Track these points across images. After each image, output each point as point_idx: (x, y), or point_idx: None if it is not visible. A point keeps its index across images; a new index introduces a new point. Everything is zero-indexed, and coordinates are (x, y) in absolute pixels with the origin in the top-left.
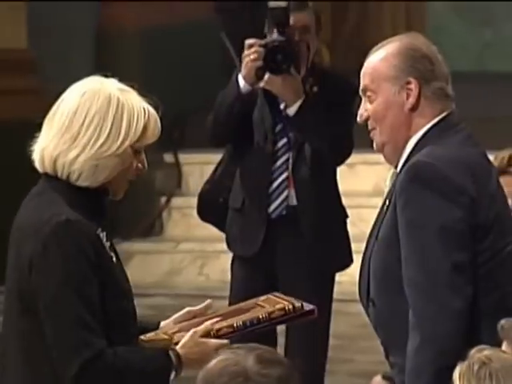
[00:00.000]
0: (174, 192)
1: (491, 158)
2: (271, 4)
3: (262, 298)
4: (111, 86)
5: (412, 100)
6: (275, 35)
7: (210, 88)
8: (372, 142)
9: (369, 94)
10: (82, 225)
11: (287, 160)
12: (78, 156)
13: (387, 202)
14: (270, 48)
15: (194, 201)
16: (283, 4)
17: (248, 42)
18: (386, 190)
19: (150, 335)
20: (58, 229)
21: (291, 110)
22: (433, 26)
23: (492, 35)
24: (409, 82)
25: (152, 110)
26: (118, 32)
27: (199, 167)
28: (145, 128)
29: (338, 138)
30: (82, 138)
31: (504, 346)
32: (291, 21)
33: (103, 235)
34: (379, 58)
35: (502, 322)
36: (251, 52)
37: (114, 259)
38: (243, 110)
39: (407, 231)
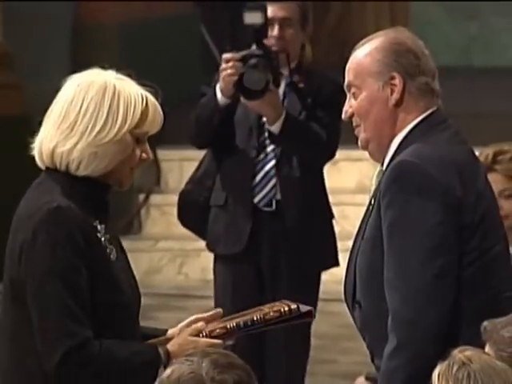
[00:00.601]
0: (152, 189)
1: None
2: (247, 20)
3: (268, 304)
4: (107, 75)
5: (396, 95)
6: (253, 48)
7: (190, 83)
8: (356, 138)
9: (353, 90)
10: (73, 212)
11: (273, 150)
12: (76, 144)
13: (373, 201)
14: (244, 71)
15: (174, 198)
16: (259, 20)
17: (225, 56)
18: (372, 188)
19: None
20: (48, 216)
21: (275, 128)
22: (418, 20)
23: (478, 29)
24: (393, 78)
25: (151, 98)
26: (96, 25)
27: (178, 164)
28: (143, 114)
29: (322, 141)
30: (79, 126)
31: (487, 348)
32: (271, 13)
33: (101, 227)
34: (363, 54)
35: (485, 323)
36: (228, 66)
37: (114, 252)
38: (222, 120)
39: (389, 232)
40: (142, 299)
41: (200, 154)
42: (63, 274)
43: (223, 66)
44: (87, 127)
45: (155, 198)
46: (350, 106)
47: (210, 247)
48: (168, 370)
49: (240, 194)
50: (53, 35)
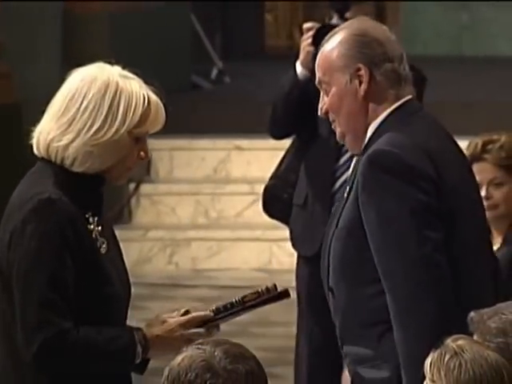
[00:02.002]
0: (142, 179)
1: (466, 144)
2: None
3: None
4: (112, 71)
5: (364, 86)
6: (335, 20)
7: (180, 72)
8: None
9: (324, 86)
10: (64, 204)
11: (352, 157)
12: (72, 141)
13: (347, 190)
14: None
15: (164, 188)
16: None
17: (305, 25)
18: (347, 177)
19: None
20: (38, 206)
21: None
22: (408, 10)
23: (468, 19)
24: (358, 69)
25: (154, 97)
26: (86, 15)
27: (168, 153)
28: (144, 115)
29: None
30: (77, 123)
31: (475, 339)
32: (352, 12)
33: (93, 219)
34: (328, 49)
35: (472, 314)
36: (308, 36)
37: (105, 245)
38: (302, 97)
39: (377, 221)
40: (132, 289)
41: (190, 143)
42: (48, 264)
43: (304, 36)
44: (85, 125)
45: (145, 188)
46: (324, 102)
47: (293, 245)
48: (178, 357)
49: (319, 198)
50: (43, 24)
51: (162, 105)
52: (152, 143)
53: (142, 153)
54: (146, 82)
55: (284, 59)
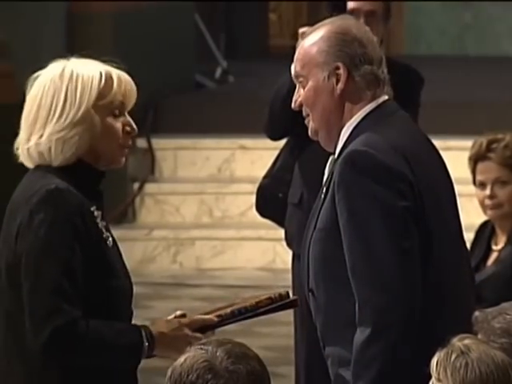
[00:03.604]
0: (147, 178)
1: (469, 143)
2: None
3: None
4: (67, 62)
5: (341, 85)
6: None
7: (184, 72)
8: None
9: (300, 79)
10: (73, 195)
11: None
12: (41, 136)
13: (324, 191)
14: None
15: (168, 187)
16: None
17: (301, 30)
18: (324, 177)
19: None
20: (46, 196)
21: None
22: (411, 8)
23: (472, 18)
24: (337, 68)
25: (115, 71)
26: (90, 15)
27: (173, 153)
28: (105, 87)
29: None
30: (41, 119)
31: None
32: (358, 4)
33: (98, 214)
34: (309, 44)
35: (476, 313)
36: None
37: (110, 239)
38: None
39: (349, 221)
40: (136, 288)
41: (194, 143)
42: (58, 252)
43: (300, 40)
44: (48, 116)
45: (149, 187)
46: (299, 95)
47: (287, 244)
48: (181, 357)
49: (315, 194)
50: (47, 24)
51: (126, 77)
52: (156, 142)
53: (126, 127)
54: (103, 61)
55: (288, 59)
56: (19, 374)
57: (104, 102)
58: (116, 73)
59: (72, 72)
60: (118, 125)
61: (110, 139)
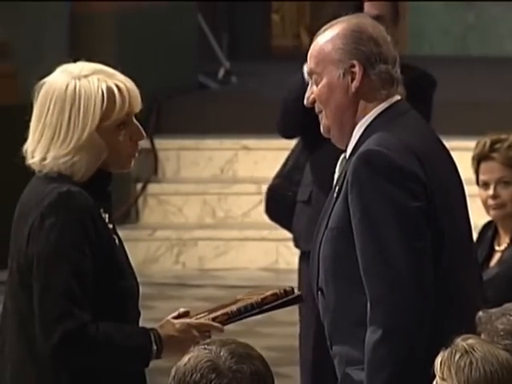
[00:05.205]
0: (150, 178)
1: (473, 143)
2: None
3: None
4: (71, 73)
5: (356, 83)
6: None
7: (187, 72)
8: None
9: (314, 76)
10: (84, 197)
11: None
12: (45, 159)
13: (337, 190)
14: None
15: (171, 187)
16: None
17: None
18: (335, 176)
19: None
20: (58, 199)
21: None
22: (415, 10)
23: (475, 18)
24: (353, 65)
25: (115, 84)
26: (93, 15)
27: (176, 153)
28: (108, 108)
29: None
30: (46, 137)
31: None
32: (364, 9)
33: (106, 216)
34: (324, 41)
35: (480, 314)
36: None
37: (117, 241)
38: None
39: (362, 220)
40: (140, 288)
41: (197, 143)
42: (69, 255)
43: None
44: (52, 138)
45: (152, 188)
46: (311, 92)
47: (295, 242)
48: (185, 357)
49: (324, 191)
50: (50, 24)
51: (128, 85)
52: (159, 143)
53: (133, 136)
54: (108, 65)
55: (291, 59)
56: (31, 375)
57: (108, 122)
58: (118, 85)
59: (75, 89)
60: (125, 138)
61: (117, 153)
